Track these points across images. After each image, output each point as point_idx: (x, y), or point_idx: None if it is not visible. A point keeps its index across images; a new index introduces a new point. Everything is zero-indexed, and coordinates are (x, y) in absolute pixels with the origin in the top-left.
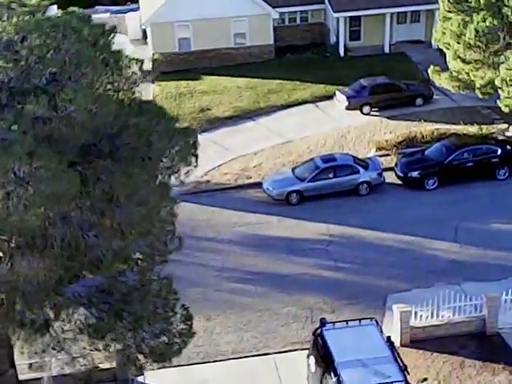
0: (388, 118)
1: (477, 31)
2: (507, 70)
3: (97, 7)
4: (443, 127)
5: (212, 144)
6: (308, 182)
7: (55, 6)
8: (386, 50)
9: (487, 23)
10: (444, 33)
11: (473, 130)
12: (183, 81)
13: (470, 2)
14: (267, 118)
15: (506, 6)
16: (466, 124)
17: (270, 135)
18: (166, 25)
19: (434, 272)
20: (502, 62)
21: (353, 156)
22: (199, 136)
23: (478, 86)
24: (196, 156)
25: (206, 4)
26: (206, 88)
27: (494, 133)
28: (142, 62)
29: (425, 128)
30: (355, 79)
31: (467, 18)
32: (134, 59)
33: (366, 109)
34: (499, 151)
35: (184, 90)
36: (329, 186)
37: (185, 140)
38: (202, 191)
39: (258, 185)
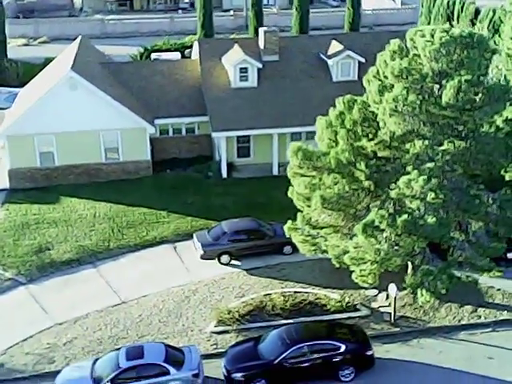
0: (248, 270)
1: (324, 199)
2: (355, 248)
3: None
4: (303, 291)
5: (32, 304)
6: None
7: None
8: (275, 171)
9: (335, 190)
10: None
11: (335, 296)
12: (37, 204)
13: (320, 160)
14: (112, 263)
15: (358, 169)
16: (328, 288)
17: (104, 291)
18: (26, 137)
19: None
20: (354, 235)
21: (165, 345)
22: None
23: (331, 255)
24: None
25: (72, 115)
26: (58, 216)
27: (356, 305)
28: None
29: (280, 294)
30: (229, 210)
31: (315, 180)
32: None
33: (225, 258)
34: (343, 348)
35: (32, 218)
36: None
37: None
38: None
39: (58, 374)
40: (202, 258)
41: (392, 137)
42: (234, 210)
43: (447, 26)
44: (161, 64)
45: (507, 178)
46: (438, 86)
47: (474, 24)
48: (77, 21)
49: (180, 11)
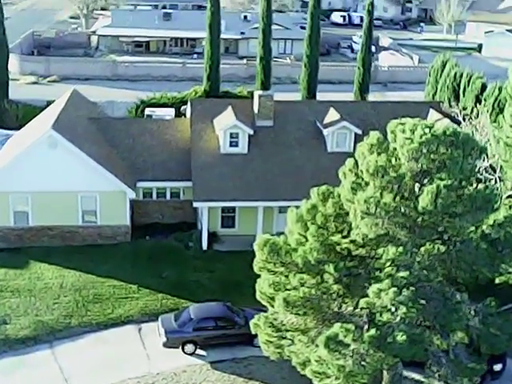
0: (213, 363)
1: (287, 302)
2: (317, 361)
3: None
4: None
5: None
6: None
7: None
8: None
9: (301, 293)
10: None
11: None
12: (4, 268)
13: (289, 255)
14: (70, 344)
15: (327, 272)
16: None
17: (54, 380)
18: (0, 195)
19: None
20: (316, 346)
21: None
22: None
23: (295, 363)
24: None
25: (50, 175)
26: (23, 284)
27: None
28: None
29: None
30: (204, 288)
31: (282, 278)
32: None
33: (189, 348)
34: None
35: None
36: None
37: None
38: None
39: None
40: (165, 346)
41: (364, 239)
42: (208, 289)
43: (430, 122)
44: (151, 122)
45: (497, 281)
46: (418, 184)
47: (479, 100)
48: (88, 61)
49: (195, 55)
